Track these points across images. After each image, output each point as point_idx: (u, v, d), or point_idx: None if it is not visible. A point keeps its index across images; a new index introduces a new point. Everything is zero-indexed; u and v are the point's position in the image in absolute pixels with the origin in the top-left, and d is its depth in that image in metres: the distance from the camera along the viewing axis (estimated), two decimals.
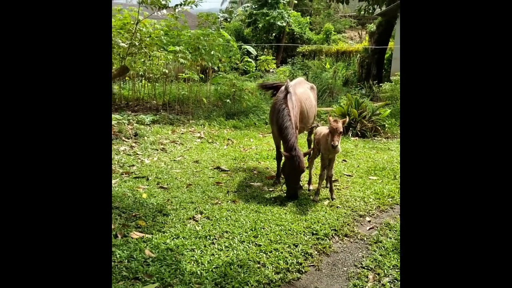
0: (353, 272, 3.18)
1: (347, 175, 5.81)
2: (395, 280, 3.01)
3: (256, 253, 3.34)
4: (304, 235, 3.72)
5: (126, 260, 3.08)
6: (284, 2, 22.32)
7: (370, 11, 15.54)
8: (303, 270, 3.17)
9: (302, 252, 3.41)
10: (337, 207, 4.49)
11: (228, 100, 10.38)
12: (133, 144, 7.08)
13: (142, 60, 9.88)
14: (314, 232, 3.79)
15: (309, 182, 5.24)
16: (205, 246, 3.42)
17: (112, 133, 7.39)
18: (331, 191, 4.79)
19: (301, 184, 5.09)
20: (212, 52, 10.18)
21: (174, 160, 6.35)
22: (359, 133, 8.69)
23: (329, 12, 28.99)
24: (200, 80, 11.33)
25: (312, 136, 5.74)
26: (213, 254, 3.28)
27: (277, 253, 3.35)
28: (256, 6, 22.84)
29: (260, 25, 21.75)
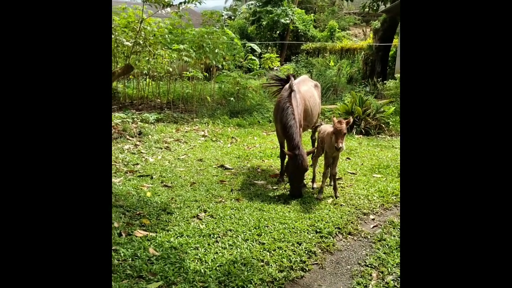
0: (357, 270, 3.18)
1: (351, 173, 5.80)
2: (398, 278, 3.01)
3: (260, 251, 3.34)
4: (307, 233, 3.72)
5: (130, 259, 3.09)
6: None
7: (375, 8, 15.46)
8: (307, 268, 3.17)
9: (305, 250, 3.41)
10: (341, 205, 4.48)
11: (232, 98, 10.39)
12: (137, 143, 7.10)
13: (147, 58, 9.90)
14: (318, 230, 3.79)
15: (313, 180, 5.24)
16: (209, 244, 3.43)
17: (117, 131, 7.42)
18: (335, 189, 4.78)
19: (305, 183, 5.09)
20: (216, 50, 10.18)
21: (178, 159, 6.37)
22: (363, 131, 8.67)
23: (333, 9, 28.86)
24: (204, 79, 11.33)
25: (316, 134, 5.73)
26: (217, 253, 3.28)
27: (280, 251, 3.35)
28: (260, 4, 22.78)
29: (264, 23, 21.69)
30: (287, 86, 5.22)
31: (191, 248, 3.33)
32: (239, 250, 3.34)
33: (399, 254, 3.35)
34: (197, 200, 4.49)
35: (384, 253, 3.40)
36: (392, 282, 2.96)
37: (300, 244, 3.51)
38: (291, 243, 3.50)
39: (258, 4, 23.00)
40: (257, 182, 5.31)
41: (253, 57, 13.55)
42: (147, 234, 3.53)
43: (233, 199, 4.59)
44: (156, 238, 3.46)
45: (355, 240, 3.71)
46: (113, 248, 3.20)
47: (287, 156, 4.80)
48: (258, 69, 14.25)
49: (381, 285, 2.95)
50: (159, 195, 4.59)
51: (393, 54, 16.14)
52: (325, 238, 3.66)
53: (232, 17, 28.06)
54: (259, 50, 18.91)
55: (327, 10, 28.63)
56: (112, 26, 7.96)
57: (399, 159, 6.38)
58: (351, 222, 4.03)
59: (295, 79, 5.64)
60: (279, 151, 5.60)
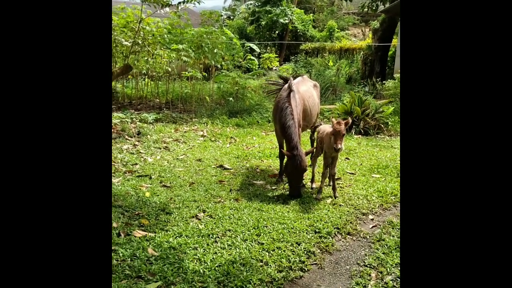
0: (356, 270, 3.18)
1: (350, 173, 5.80)
2: (397, 279, 3.01)
3: (259, 251, 3.34)
4: (306, 233, 3.72)
5: (129, 259, 3.09)
6: None
7: (374, 8, 15.46)
8: (306, 269, 3.17)
9: (304, 250, 3.41)
10: (340, 205, 4.48)
11: (231, 98, 10.38)
12: (136, 143, 7.09)
13: (145, 58, 9.89)
14: (317, 230, 3.79)
15: (312, 180, 5.24)
16: (208, 244, 3.42)
17: (115, 131, 7.41)
18: (334, 189, 4.78)
19: (304, 183, 5.09)
20: (215, 50, 10.17)
21: (177, 159, 6.36)
22: (362, 131, 8.67)
23: (332, 9, 28.89)
24: (203, 78, 11.33)
25: (316, 134, 5.73)
26: (216, 253, 3.28)
27: (279, 251, 3.35)
28: (259, 4, 22.79)
29: (263, 23, 21.70)
30: (286, 86, 5.21)
31: (190, 248, 3.32)
32: (238, 250, 3.34)
33: (398, 254, 3.35)
34: (196, 200, 4.49)
35: (383, 253, 3.40)
36: (391, 282, 2.96)
37: (299, 244, 3.50)
38: (290, 243, 3.50)
39: (257, 4, 23.00)
40: (256, 182, 5.31)
41: (252, 57, 13.56)
42: (146, 234, 3.53)
43: (232, 199, 4.58)
44: (155, 238, 3.46)
45: (354, 240, 3.71)
46: (112, 248, 3.19)
47: (286, 156, 4.80)
48: (257, 69, 14.26)
49: (380, 285, 2.95)
50: (158, 195, 4.59)
51: (392, 54, 16.16)
52: (324, 238, 3.66)
53: (231, 17, 28.05)
54: (258, 50, 18.92)
55: (326, 10, 28.65)
56: (111, 26, 7.94)
57: (398, 159, 6.40)
58: (350, 222, 4.03)
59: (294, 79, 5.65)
60: (278, 151, 5.60)
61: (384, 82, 12.64)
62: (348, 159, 6.64)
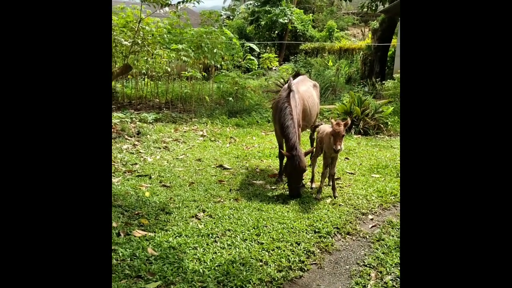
0: (355, 270, 3.18)
1: (349, 173, 5.81)
2: (397, 278, 3.01)
3: (259, 251, 3.34)
4: (306, 233, 3.72)
5: (129, 259, 3.09)
6: None
7: (373, 8, 15.47)
8: (305, 268, 3.17)
9: (304, 250, 3.41)
10: (340, 205, 4.49)
11: (230, 98, 10.38)
12: (136, 143, 7.09)
13: (145, 58, 9.89)
14: (317, 230, 3.79)
15: (312, 180, 5.24)
16: (207, 244, 3.42)
17: (115, 131, 7.41)
18: (333, 189, 4.78)
19: (304, 183, 5.09)
20: (214, 50, 10.17)
21: (177, 159, 6.36)
22: (361, 131, 8.67)
23: (332, 10, 28.91)
24: (203, 78, 11.33)
25: (315, 134, 5.74)
26: (215, 252, 3.28)
27: (279, 251, 3.35)
28: (258, 4, 22.80)
29: (263, 23, 21.71)
30: (286, 86, 5.22)
31: (190, 248, 3.32)
32: (237, 250, 3.34)
33: (397, 254, 3.35)
34: (196, 200, 4.49)
35: (383, 253, 3.40)
36: (390, 282, 2.96)
37: (298, 244, 3.51)
38: (289, 243, 3.50)
39: (256, 4, 23.01)
40: (255, 182, 5.31)
41: (251, 57, 13.56)
42: (145, 234, 3.53)
43: (231, 199, 4.58)
44: (155, 238, 3.46)
45: (353, 240, 3.71)
46: (111, 248, 3.20)
47: (285, 157, 4.81)
48: (256, 69, 14.26)
49: (380, 285, 2.95)
50: (158, 195, 4.59)
51: (391, 54, 16.17)
52: (323, 238, 3.66)
53: (231, 17, 28.05)
54: (257, 50, 18.91)
55: (325, 10, 28.67)
56: (111, 26, 7.94)
57: (398, 159, 6.41)
58: (350, 222, 4.03)
59: (294, 79, 5.65)
60: (278, 151, 5.60)
61: (383, 82, 12.65)
62: (347, 159, 6.64)
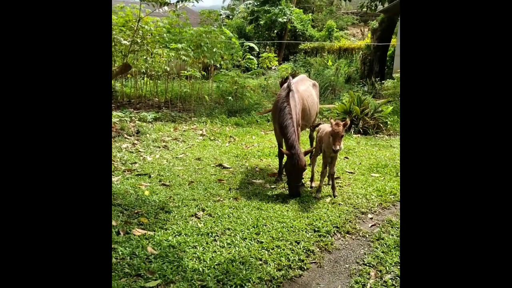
0: (355, 269, 3.18)
1: (349, 172, 5.81)
2: (396, 277, 3.01)
3: (258, 250, 3.34)
4: (306, 232, 3.72)
5: (128, 257, 3.09)
6: None
7: (373, 8, 15.47)
8: (305, 267, 3.17)
9: (304, 249, 3.41)
10: (339, 204, 4.49)
11: (230, 98, 10.38)
12: (135, 142, 7.09)
13: (144, 57, 9.88)
14: (316, 229, 3.80)
15: (311, 180, 5.24)
16: (207, 243, 3.42)
17: (115, 130, 7.41)
18: (333, 188, 4.79)
19: (303, 182, 5.09)
20: (214, 50, 10.17)
21: (176, 158, 6.36)
22: (361, 130, 8.68)
23: (332, 9, 28.91)
24: (202, 78, 11.34)
25: (315, 133, 5.74)
26: (215, 251, 3.28)
27: (279, 250, 3.35)
28: (258, 3, 22.79)
29: (262, 22, 21.71)
30: (285, 85, 5.22)
31: (189, 247, 3.32)
32: (237, 248, 3.34)
33: (397, 253, 3.36)
34: (195, 199, 4.49)
35: (382, 252, 3.41)
36: (390, 281, 2.97)
37: (298, 243, 3.51)
38: (289, 242, 3.50)
39: (256, 4, 23.00)
40: (255, 181, 5.31)
41: (251, 57, 13.57)
42: (145, 233, 3.53)
43: (231, 198, 4.59)
44: (154, 236, 3.46)
45: (353, 239, 3.71)
46: (111, 246, 3.20)
47: (285, 155, 4.81)
48: (256, 68, 14.26)
49: (379, 284, 2.95)
50: (157, 194, 4.59)
51: (391, 53, 16.17)
52: (323, 237, 3.67)
53: (230, 16, 28.04)
54: (257, 49, 18.91)
55: (325, 10, 28.67)
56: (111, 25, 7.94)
57: (397, 159, 6.42)
58: (349, 221, 4.03)
59: (293, 78, 5.65)
60: (277, 150, 5.60)
61: (383, 81, 12.65)
62: (347, 158, 6.64)
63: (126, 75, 11.79)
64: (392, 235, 3.74)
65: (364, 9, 15.51)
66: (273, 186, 5.14)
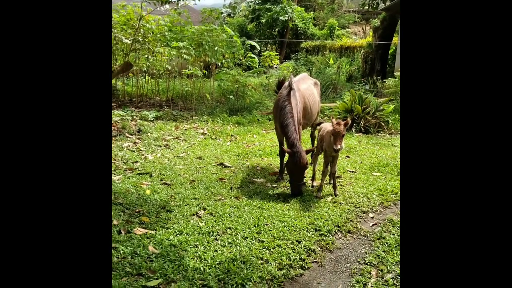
0: (356, 268, 3.18)
1: (350, 171, 5.80)
2: (398, 276, 3.01)
3: (259, 249, 3.34)
4: (307, 231, 3.72)
5: (130, 256, 3.09)
6: None
7: (374, 6, 15.43)
8: (306, 266, 3.17)
9: (305, 248, 3.41)
10: (340, 203, 4.49)
11: (231, 96, 10.38)
12: (137, 140, 7.10)
13: (146, 56, 9.89)
14: (317, 228, 3.80)
15: (313, 179, 5.24)
16: (208, 242, 3.43)
17: (116, 129, 7.41)
18: (334, 187, 4.78)
19: (304, 181, 5.09)
20: (215, 48, 10.17)
21: (178, 156, 6.36)
22: (362, 129, 8.66)
23: (333, 7, 28.83)
24: (203, 76, 11.33)
25: (316, 132, 5.73)
26: (216, 250, 3.29)
27: (280, 249, 3.35)
28: (259, 1, 22.77)
29: (263, 21, 21.68)
30: (286, 84, 5.21)
31: (191, 246, 3.33)
32: (238, 248, 3.35)
33: (398, 252, 3.35)
34: (197, 198, 4.49)
35: (384, 251, 3.41)
36: (391, 280, 2.96)
37: (299, 242, 3.51)
38: (290, 241, 3.50)
39: (257, 2, 22.97)
40: (256, 180, 5.31)
41: (252, 55, 13.56)
42: (146, 232, 3.53)
43: (232, 197, 4.59)
44: (156, 235, 3.46)
45: (354, 238, 3.71)
46: (112, 245, 3.20)
47: (286, 154, 4.81)
48: (257, 67, 14.26)
49: (380, 283, 2.95)
50: (159, 193, 4.59)
51: (392, 52, 16.13)
52: (324, 236, 3.66)
53: (232, 15, 28.02)
54: (258, 48, 18.90)
55: (326, 8, 28.60)
56: (111, 23, 7.94)
57: (399, 157, 6.40)
58: (351, 220, 4.03)
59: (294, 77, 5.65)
60: (279, 149, 5.60)
61: (384, 80, 12.63)
62: (348, 157, 6.64)
63: (127, 74, 11.79)
64: (393, 234, 3.73)
65: (366, 7, 15.44)
66: (274, 185, 5.13)
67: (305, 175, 4.93)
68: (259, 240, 3.51)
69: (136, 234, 3.48)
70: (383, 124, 8.83)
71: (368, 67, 15.54)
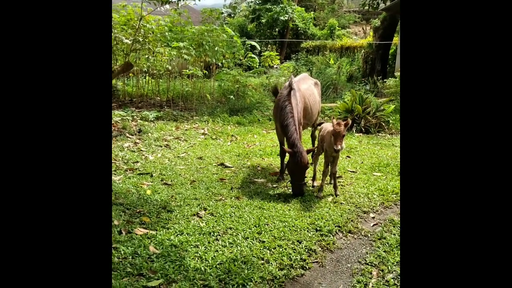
0: (357, 268, 3.18)
1: (351, 171, 5.80)
2: (398, 276, 3.01)
3: (260, 249, 3.34)
4: (308, 231, 3.72)
5: (131, 257, 3.09)
6: None
7: (374, 6, 15.43)
8: (307, 267, 3.17)
9: (305, 248, 3.41)
10: (341, 203, 4.48)
11: (231, 96, 10.38)
12: (137, 141, 7.10)
13: (146, 56, 9.89)
14: (318, 228, 3.79)
15: (313, 179, 5.24)
16: (209, 242, 3.43)
17: (116, 129, 7.42)
18: (335, 187, 4.78)
19: (305, 181, 5.09)
20: (215, 48, 10.17)
21: (178, 157, 6.36)
22: (363, 129, 8.66)
23: (333, 7, 28.84)
24: (204, 76, 11.33)
25: (317, 132, 5.73)
26: (217, 251, 3.29)
27: (280, 249, 3.35)
28: (259, 2, 22.77)
29: (264, 21, 21.68)
30: (287, 84, 5.21)
31: (191, 246, 3.33)
32: (239, 248, 3.35)
33: (399, 252, 3.35)
34: (197, 198, 4.49)
35: (384, 251, 3.40)
36: (392, 280, 2.96)
37: (300, 242, 3.51)
38: (291, 241, 3.50)
39: (257, 2, 22.97)
40: (257, 180, 5.31)
41: (252, 55, 13.55)
42: (147, 232, 3.53)
43: (233, 197, 4.59)
44: (156, 236, 3.46)
45: (355, 239, 3.71)
46: (113, 246, 3.20)
47: (287, 154, 4.81)
48: (258, 67, 14.25)
49: (381, 283, 2.95)
50: (159, 193, 4.59)
51: (393, 52, 16.12)
52: (325, 236, 3.66)
53: (232, 15, 28.03)
54: (259, 48, 18.89)
55: (327, 8, 28.61)
56: (112, 23, 7.94)
57: (399, 158, 6.40)
58: (351, 221, 4.03)
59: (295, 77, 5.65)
60: (279, 149, 5.60)
61: (385, 80, 12.63)
62: (349, 157, 6.63)
63: (128, 74, 11.79)
64: (394, 234, 3.73)
65: (366, 7, 15.45)
66: (275, 185, 5.13)
67: (306, 175, 4.93)
68: (260, 240, 3.51)
69: (137, 234, 3.48)
70: (383, 124, 8.82)
71: (368, 67, 15.54)
